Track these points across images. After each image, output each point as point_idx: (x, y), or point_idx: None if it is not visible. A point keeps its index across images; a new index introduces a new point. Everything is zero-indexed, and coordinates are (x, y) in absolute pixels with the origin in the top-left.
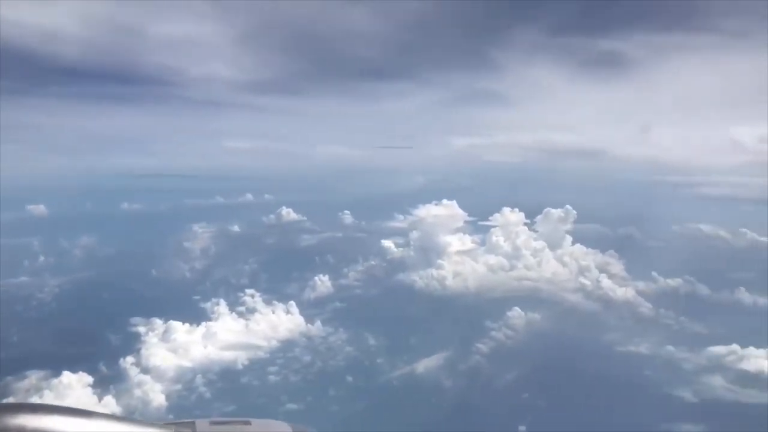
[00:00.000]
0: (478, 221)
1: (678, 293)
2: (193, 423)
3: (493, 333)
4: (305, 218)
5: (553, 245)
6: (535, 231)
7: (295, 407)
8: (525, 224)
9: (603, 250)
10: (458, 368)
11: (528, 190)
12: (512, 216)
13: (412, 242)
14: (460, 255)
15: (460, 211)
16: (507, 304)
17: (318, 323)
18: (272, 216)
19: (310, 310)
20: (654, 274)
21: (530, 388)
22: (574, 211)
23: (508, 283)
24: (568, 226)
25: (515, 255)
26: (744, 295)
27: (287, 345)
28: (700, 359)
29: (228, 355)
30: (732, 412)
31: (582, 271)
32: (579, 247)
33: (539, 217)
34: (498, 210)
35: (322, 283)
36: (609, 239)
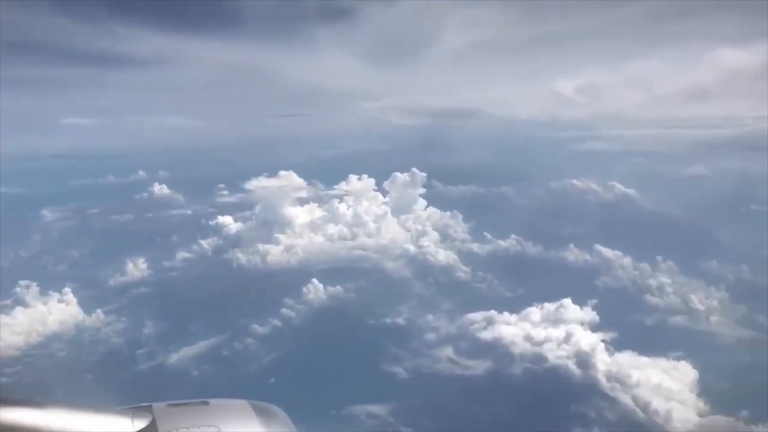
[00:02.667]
0: (327, 191)
1: (508, 254)
2: (150, 406)
3: (284, 311)
4: (179, 194)
5: (403, 210)
6: (387, 197)
7: None
8: (376, 190)
9: (460, 211)
10: (219, 355)
11: (419, 152)
12: (360, 183)
13: (253, 216)
14: (301, 227)
15: (300, 180)
16: (322, 277)
17: (99, 312)
18: (144, 194)
19: (107, 297)
20: (487, 235)
21: (280, 372)
22: (423, 174)
23: (339, 253)
24: (420, 190)
25: (357, 223)
26: (572, 253)
27: (49, 340)
28: (450, 328)
29: None
30: (436, 387)
31: (420, 235)
32: (432, 211)
33: (386, 182)
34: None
35: (135, 266)
36: (477, 199)
